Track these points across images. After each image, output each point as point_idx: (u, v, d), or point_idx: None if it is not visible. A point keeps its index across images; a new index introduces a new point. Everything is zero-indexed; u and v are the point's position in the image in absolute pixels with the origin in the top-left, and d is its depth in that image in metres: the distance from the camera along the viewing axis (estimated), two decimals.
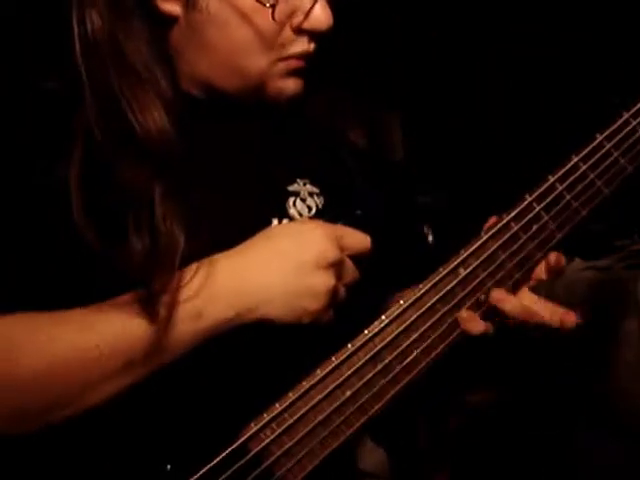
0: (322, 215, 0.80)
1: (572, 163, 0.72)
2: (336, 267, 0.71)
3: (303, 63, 0.76)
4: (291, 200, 0.80)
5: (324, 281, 0.70)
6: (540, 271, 0.74)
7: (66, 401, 0.65)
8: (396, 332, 0.72)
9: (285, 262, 0.70)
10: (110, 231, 0.66)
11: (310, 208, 0.81)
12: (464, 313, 0.72)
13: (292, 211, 0.80)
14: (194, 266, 0.68)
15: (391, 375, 0.72)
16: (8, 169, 0.69)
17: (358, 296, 0.74)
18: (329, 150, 0.86)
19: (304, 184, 0.82)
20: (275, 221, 0.78)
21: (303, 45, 0.74)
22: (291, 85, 0.76)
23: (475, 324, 0.72)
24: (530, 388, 1.66)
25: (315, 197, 0.82)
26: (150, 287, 0.65)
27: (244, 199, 0.77)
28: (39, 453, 0.68)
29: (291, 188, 0.81)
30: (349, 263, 0.73)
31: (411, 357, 0.72)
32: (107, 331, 0.66)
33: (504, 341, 0.75)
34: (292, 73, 0.76)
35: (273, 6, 0.70)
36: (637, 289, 1.48)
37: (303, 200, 0.81)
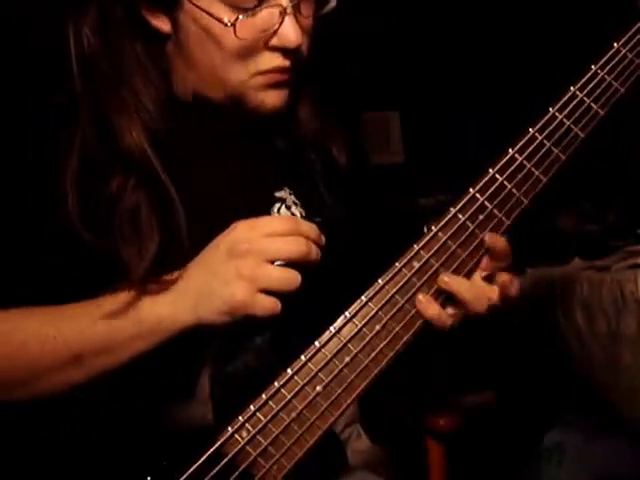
0: None
1: (509, 155, 0.78)
2: (251, 252, 0.70)
3: (283, 77, 0.79)
4: (277, 206, 0.84)
5: (234, 267, 0.70)
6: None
7: (21, 382, 0.74)
8: (360, 325, 0.74)
9: (201, 260, 0.73)
10: (101, 230, 0.74)
11: (294, 216, 0.84)
12: (420, 296, 0.75)
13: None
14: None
15: (359, 368, 0.74)
16: (7, 173, 0.76)
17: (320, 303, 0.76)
18: (311, 165, 0.90)
19: (290, 193, 0.85)
20: None
21: (277, 60, 0.78)
22: (271, 97, 0.79)
23: (428, 306, 0.75)
24: (526, 388, 1.67)
25: (299, 207, 0.85)
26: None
27: (232, 202, 0.81)
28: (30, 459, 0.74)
29: (278, 194, 0.84)
30: (268, 243, 0.71)
31: (377, 349, 0.74)
32: (63, 325, 0.74)
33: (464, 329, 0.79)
34: (272, 86, 0.79)
35: (233, 25, 0.74)
36: (637, 289, 1.49)
37: (288, 207, 0.84)
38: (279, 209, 0.84)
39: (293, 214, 0.84)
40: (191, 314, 0.72)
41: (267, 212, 0.83)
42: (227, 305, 0.70)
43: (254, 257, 0.70)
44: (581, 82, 0.80)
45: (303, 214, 0.85)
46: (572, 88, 0.80)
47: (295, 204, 0.85)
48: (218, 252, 0.72)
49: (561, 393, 1.71)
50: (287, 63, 0.78)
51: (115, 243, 0.74)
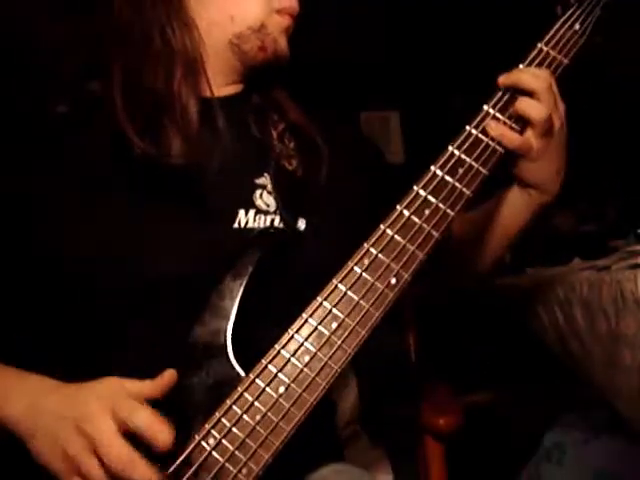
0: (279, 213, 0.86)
1: (449, 152, 0.81)
2: (89, 437, 0.69)
3: (291, 21, 0.91)
4: (258, 192, 0.87)
5: (70, 439, 0.69)
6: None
7: None
8: (316, 325, 0.75)
9: (70, 402, 0.72)
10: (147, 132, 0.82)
11: (276, 201, 0.87)
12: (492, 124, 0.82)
13: (259, 202, 0.87)
14: None
15: (319, 366, 0.74)
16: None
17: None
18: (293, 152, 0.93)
19: (270, 179, 0.88)
20: (241, 212, 0.85)
21: (292, 1, 0.90)
22: (283, 42, 0.91)
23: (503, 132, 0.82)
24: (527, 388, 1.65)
25: (273, 195, 0.87)
26: None
27: (215, 191, 0.84)
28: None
29: (258, 181, 0.88)
30: (107, 447, 0.68)
31: (335, 347, 0.75)
32: None
33: None
34: (284, 31, 0.91)
35: None
36: (637, 289, 1.49)
37: (270, 193, 0.87)
38: (261, 195, 0.87)
39: (267, 204, 0.88)
40: (28, 428, 0.72)
41: (247, 200, 0.86)
42: (49, 465, 0.71)
43: (89, 443, 0.69)
44: (528, 59, 0.85)
45: (278, 204, 0.88)
46: (521, 66, 0.84)
47: (269, 193, 0.88)
48: (76, 410, 0.71)
49: (561, 393, 1.70)
50: (297, 7, 0.91)
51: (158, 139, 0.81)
